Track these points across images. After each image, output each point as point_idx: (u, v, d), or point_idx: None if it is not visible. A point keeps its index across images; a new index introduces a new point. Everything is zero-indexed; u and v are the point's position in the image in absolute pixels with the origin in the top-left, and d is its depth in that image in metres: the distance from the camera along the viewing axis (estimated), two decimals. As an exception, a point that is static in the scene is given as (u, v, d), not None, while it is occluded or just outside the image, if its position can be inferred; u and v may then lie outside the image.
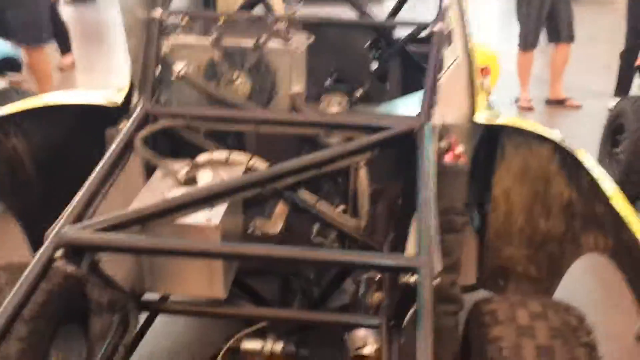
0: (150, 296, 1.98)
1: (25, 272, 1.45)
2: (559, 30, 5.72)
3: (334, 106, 2.23)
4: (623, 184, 3.30)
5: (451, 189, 2.03)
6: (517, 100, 5.94)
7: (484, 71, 3.51)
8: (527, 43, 5.74)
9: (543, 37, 5.87)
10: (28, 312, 1.84)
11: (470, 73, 2.33)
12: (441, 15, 1.96)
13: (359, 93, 2.46)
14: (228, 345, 1.94)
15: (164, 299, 2.14)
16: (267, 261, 1.87)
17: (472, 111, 2.33)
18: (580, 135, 4.98)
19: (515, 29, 5.87)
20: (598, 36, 7.99)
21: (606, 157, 4.26)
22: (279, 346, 1.95)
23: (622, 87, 5.76)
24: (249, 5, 2.51)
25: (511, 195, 2.35)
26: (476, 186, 2.58)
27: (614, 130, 4.22)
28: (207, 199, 1.71)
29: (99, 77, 6.52)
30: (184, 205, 1.69)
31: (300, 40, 2.15)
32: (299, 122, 2.03)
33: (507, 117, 2.31)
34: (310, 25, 2.30)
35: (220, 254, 1.67)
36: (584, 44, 7.36)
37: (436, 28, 2.01)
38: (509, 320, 1.82)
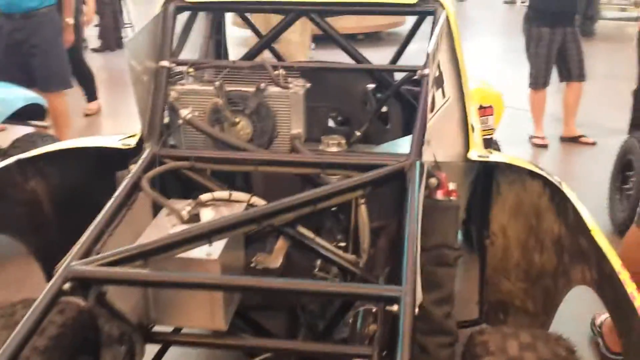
0: (160, 329, 2.09)
1: (35, 303, 1.57)
2: (570, 69, 5.81)
3: (332, 147, 2.34)
4: (632, 221, 3.34)
5: (443, 224, 2.12)
6: (531, 138, 6.01)
7: (488, 110, 3.62)
8: (537, 82, 5.83)
9: (555, 75, 5.97)
10: (43, 343, 1.97)
11: (462, 112, 2.44)
12: (429, 59, 2.07)
13: (357, 134, 2.57)
14: None
15: (177, 330, 2.24)
16: (258, 292, 1.97)
17: (467, 149, 2.44)
18: (594, 173, 5.04)
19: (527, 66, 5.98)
20: (615, 72, 8.07)
21: (616, 193, 4.30)
22: None
23: (636, 124, 5.80)
24: (255, 53, 2.66)
25: (507, 231, 2.43)
26: (475, 223, 2.67)
27: (623, 167, 4.26)
28: (207, 234, 1.82)
29: (124, 122, 6.73)
30: (185, 241, 1.80)
31: (299, 86, 2.28)
32: (297, 162, 2.14)
33: (500, 154, 2.41)
34: (310, 71, 2.44)
35: (218, 286, 1.77)
36: (600, 80, 7.45)
37: (425, 72, 2.12)
38: (500, 350, 1.89)
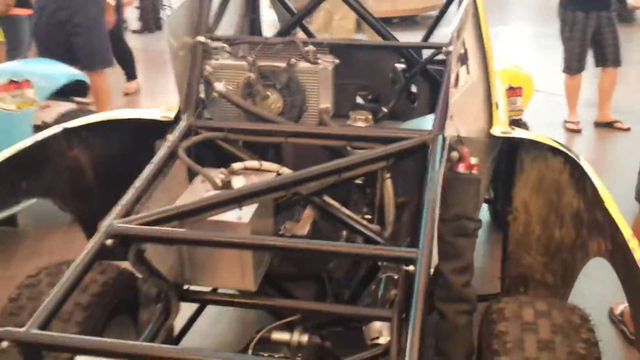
0: (195, 289, 2.22)
1: (78, 258, 1.70)
2: (605, 54, 5.78)
3: (359, 122, 2.43)
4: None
5: (463, 196, 2.20)
6: (565, 122, 6.01)
7: (517, 91, 3.67)
8: (572, 67, 5.82)
9: (591, 59, 5.95)
10: (86, 300, 2.11)
11: (486, 90, 2.51)
12: (454, 37, 2.14)
13: (384, 110, 2.66)
14: (259, 335, 2.15)
15: (210, 292, 2.37)
16: (284, 252, 2.08)
17: (490, 125, 2.51)
18: (628, 158, 5.04)
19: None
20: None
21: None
22: (305, 338, 2.15)
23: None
24: (287, 30, 2.76)
25: (529, 206, 2.50)
26: (499, 198, 2.74)
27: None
28: (238, 199, 1.94)
29: (162, 101, 6.87)
30: (218, 204, 1.92)
31: (327, 61, 2.38)
32: (324, 134, 2.24)
33: (523, 131, 2.47)
34: (340, 48, 2.53)
35: (247, 245, 1.88)
36: (637, 66, 7.37)
37: (449, 49, 2.20)
38: (515, 317, 1.97)
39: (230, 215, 1.99)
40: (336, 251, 1.86)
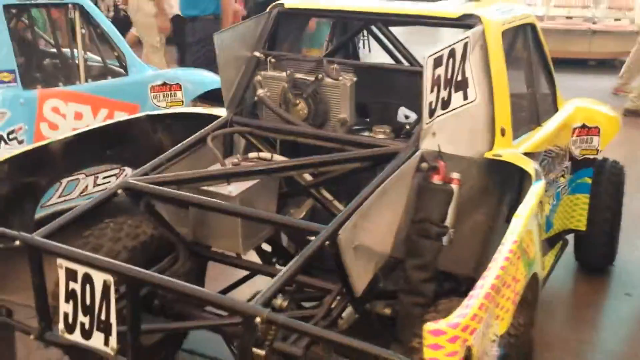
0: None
1: (93, 199, 2.35)
2: None
3: (379, 134, 2.82)
4: None
5: (430, 203, 2.49)
6: None
7: (592, 131, 3.73)
8: None
9: None
10: (131, 244, 2.73)
11: (489, 116, 2.76)
12: (426, 62, 2.35)
13: (407, 127, 2.99)
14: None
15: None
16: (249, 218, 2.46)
17: (489, 148, 2.76)
18: None
19: None
20: None
21: None
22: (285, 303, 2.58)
23: None
24: (333, 52, 3.25)
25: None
26: None
27: None
28: (226, 175, 2.46)
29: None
30: (209, 177, 2.46)
31: (347, 79, 2.81)
32: (322, 136, 2.69)
33: (512, 154, 2.69)
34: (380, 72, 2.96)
35: (225, 211, 2.38)
36: None
37: (426, 72, 2.45)
38: None
39: (225, 189, 2.51)
40: (259, 217, 2.34)
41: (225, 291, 2.84)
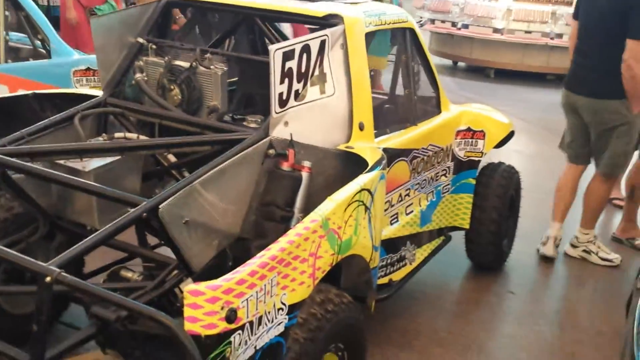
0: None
1: None
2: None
3: (252, 123, 2.97)
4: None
5: (276, 188, 2.65)
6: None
7: (477, 134, 3.91)
8: None
9: None
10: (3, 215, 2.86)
11: (348, 111, 2.92)
12: (272, 54, 2.49)
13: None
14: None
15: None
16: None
17: (346, 141, 2.91)
18: None
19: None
20: None
21: None
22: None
23: None
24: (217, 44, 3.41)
25: None
26: None
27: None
28: (78, 151, 2.60)
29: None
30: (62, 152, 2.60)
31: (218, 68, 2.96)
32: (184, 120, 2.85)
33: (363, 147, 2.85)
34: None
35: (69, 184, 2.51)
36: None
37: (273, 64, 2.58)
38: None
39: (79, 164, 2.65)
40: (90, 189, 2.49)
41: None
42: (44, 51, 4.85)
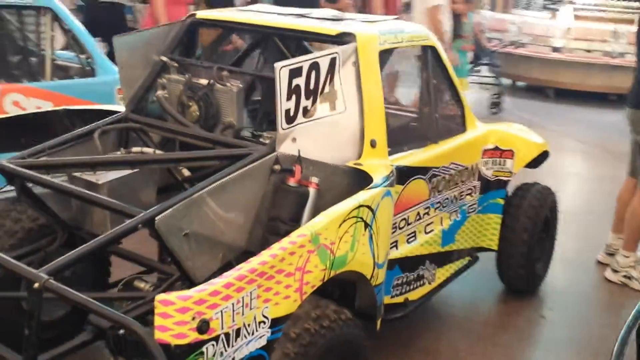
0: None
1: None
2: None
3: (266, 139, 3.01)
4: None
5: (282, 202, 2.68)
6: None
7: (505, 153, 3.84)
8: None
9: None
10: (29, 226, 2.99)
11: (359, 128, 2.92)
12: (277, 71, 2.53)
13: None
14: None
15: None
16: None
17: (357, 158, 2.91)
18: None
19: None
20: None
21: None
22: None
23: None
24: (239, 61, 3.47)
25: None
26: None
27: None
28: (91, 164, 2.70)
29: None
30: (76, 165, 2.70)
31: (234, 85, 3.02)
32: (198, 136, 2.91)
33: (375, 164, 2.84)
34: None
35: (83, 198, 2.61)
36: None
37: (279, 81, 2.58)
38: None
39: (93, 177, 2.75)
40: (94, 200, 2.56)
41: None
42: (89, 69, 5.04)
